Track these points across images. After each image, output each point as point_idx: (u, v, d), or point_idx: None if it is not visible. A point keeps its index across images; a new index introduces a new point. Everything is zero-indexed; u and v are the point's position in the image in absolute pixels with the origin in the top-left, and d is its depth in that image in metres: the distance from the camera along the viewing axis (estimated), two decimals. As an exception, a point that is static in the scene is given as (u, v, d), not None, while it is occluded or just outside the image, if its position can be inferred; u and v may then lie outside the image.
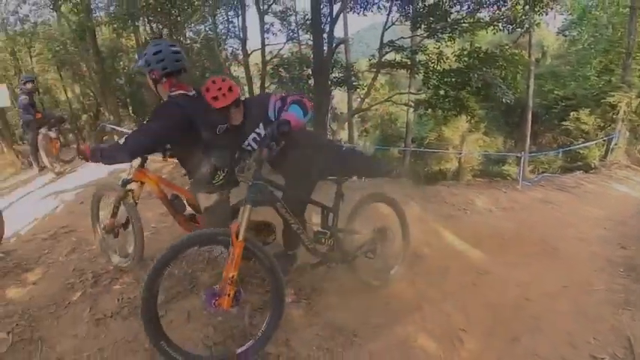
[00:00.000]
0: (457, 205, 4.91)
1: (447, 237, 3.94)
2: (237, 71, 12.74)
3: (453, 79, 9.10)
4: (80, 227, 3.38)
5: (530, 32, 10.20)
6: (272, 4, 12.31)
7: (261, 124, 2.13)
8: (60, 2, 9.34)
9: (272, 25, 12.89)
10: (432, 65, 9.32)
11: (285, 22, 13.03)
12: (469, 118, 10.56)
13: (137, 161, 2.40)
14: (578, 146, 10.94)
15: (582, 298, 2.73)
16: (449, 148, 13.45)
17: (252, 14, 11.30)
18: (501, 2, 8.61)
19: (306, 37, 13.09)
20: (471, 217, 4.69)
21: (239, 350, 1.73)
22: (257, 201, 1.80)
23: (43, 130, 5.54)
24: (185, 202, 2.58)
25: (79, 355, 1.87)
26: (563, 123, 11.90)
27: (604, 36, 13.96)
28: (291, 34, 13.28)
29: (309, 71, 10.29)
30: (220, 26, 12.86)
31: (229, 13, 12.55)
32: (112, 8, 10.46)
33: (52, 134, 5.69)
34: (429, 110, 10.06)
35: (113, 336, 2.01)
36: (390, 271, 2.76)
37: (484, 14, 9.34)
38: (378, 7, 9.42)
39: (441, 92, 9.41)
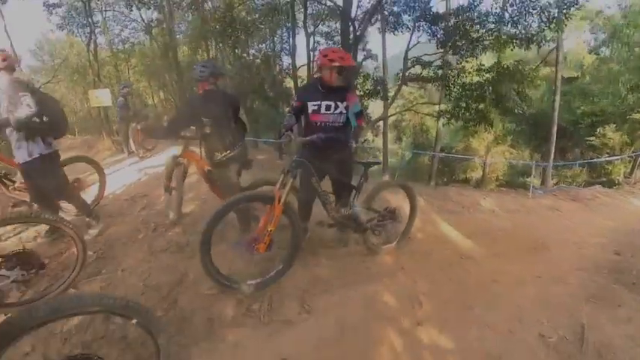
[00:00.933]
0: (462, 203, 4.80)
1: (443, 227, 3.93)
2: (288, 82, 13.44)
3: (474, 92, 9.02)
4: (151, 194, 4.03)
5: (558, 49, 9.60)
6: (318, 25, 12.83)
7: (340, 103, 2.44)
8: (151, 27, 10.91)
9: (318, 43, 13.53)
10: (453, 79, 9.34)
11: (329, 42, 13.53)
12: (489, 128, 10.21)
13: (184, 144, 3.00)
14: (599, 160, 10.06)
15: (550, 289, 2.67)
16: (475, 157, 13.05)
17: (302, 35, 11.76)
18: (518, 20, 8.37)
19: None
20: (472, 215, 4.60)
21: (262, 279, 2.26)
22: (296, 174, 2.28)
23: (132, 125, 6.47)
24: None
25: (135, 270, 2.47)
26: (590, 139, 11.02)
27: (635, 54, 12.71)
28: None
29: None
30: (277, 45, 13.86)
31: (283, 35, 13.40)
32: (189, 32, 11.96)
33: (138, 127, 6.49)
34: (452, 120, 9.96)
35: (160, 263, 2.58)
36: (383, 246, 2.97)
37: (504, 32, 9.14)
38: (407, 28, 9.63)
39: (462, 104, 9.37)
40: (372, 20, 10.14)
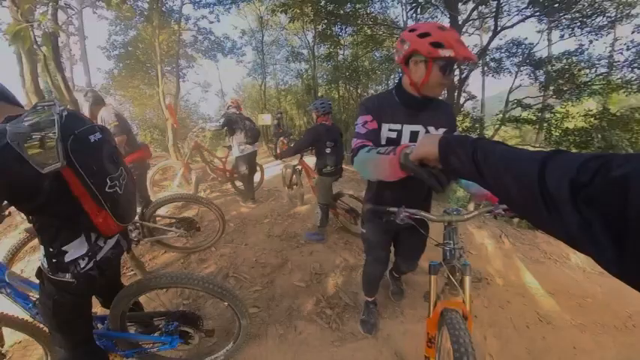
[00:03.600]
0: (549, 253, 3.41)
1: (526, 278, 2.84)
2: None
3: (576, 138, 6.66)
4: (282, 190, 4.14)
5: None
6: None
7: (440, 129, 1.18)
8: (302, 74, 12.29)
9: None
10: (555, 123, 7.14)
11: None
12: None
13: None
14: None
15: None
16: None
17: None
18: (636, 64, 5.80)
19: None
20: (559, 269, 3.20)
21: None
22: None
23: (281, 138, 7.27)
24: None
25: (254, 247, 2.58)
26: None
27: None
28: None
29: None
30: (390, 86, 13.51)
31: (395, 78, 12.85)
32: (325, 77, 12.88)
33: (285, 140, 7.35)
34: None
35: (272, 246, 2.61)
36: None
37: (615, 76, 6.57)
38: (509, 72, 7.81)
39: (562, 148, 6.71)
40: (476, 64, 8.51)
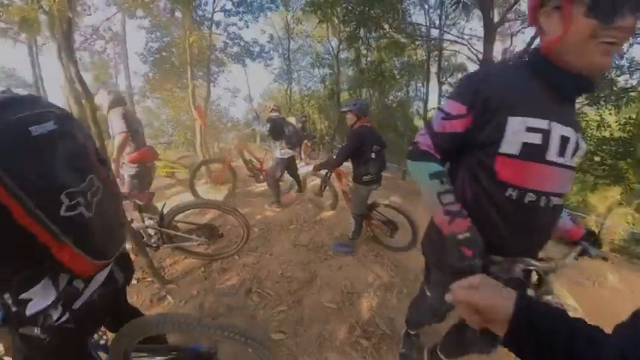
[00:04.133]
0: (587, 273, 3.00)
1: (569, 302, 2.39)
2: (416, 121, 12.14)
3: (613, 148, 5.79)
4: (306, 194, 3.80)
5: None
6: (449, 77, 10.83)
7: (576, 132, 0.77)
8: (325, 79, 12.02)
9: (447, 91, 11.58)
10: (590, 131, 6.19)
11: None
12: (625, 189, 6.23)
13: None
14: None
15: None
16: (591, 215, 8.63)
17: (434, 84, 10.38)
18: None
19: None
20: (596, 290, 2.85)
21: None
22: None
23: (305, 141, 7.04)
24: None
25: (279, 257, 2.27)
26: None
27: None
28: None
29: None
30: (411, 93, 12.92)
31: (418, 84, 12.28)
32: (347, 83, 12.52)
33: (308, 143, 7.30)
34: (579, 174, 6.61)
35: (298, 257, 2.31)
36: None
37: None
38: None
39: (596, 159, 6.07)
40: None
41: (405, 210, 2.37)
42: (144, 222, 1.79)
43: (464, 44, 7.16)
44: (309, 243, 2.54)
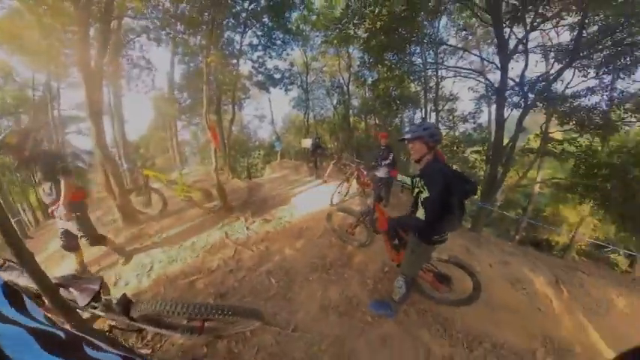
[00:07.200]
0: (598, 300, 2.23)
1: (592, 336, 1.71)
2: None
3: (608, 172, 5.35)
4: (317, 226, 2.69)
5: None
6: (444, 107, 9.97)
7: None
8: (337, 106, 11.48)
9: (442, 117, 10.69)
10: (584, 157, 5.86)
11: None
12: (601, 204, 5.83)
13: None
14: None
15: None
16: (562, 226, 8.91)
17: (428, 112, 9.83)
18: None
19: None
20: (604, 318, 2.03)
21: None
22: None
23: (318, 159, 6.28)
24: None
25: (306, 331, 1.35)
26: None
27: None
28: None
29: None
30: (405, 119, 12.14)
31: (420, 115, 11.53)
32: (358, 107, 11.92)
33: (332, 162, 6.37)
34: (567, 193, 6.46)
35: (329, 329, 1.42)
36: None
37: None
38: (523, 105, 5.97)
39: (587, 181, 5.79)
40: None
41: (467, 264, 1.50)
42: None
43: (473, 78, 6.51)
44: (341, 302, 1.64)
